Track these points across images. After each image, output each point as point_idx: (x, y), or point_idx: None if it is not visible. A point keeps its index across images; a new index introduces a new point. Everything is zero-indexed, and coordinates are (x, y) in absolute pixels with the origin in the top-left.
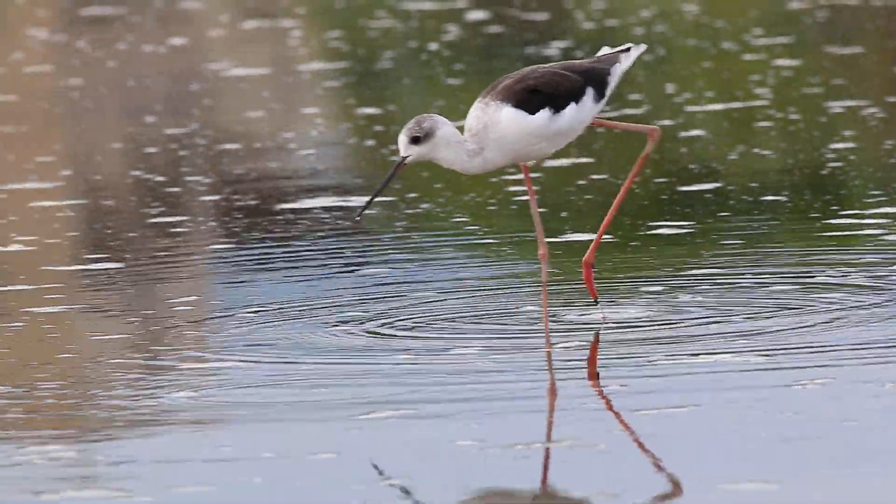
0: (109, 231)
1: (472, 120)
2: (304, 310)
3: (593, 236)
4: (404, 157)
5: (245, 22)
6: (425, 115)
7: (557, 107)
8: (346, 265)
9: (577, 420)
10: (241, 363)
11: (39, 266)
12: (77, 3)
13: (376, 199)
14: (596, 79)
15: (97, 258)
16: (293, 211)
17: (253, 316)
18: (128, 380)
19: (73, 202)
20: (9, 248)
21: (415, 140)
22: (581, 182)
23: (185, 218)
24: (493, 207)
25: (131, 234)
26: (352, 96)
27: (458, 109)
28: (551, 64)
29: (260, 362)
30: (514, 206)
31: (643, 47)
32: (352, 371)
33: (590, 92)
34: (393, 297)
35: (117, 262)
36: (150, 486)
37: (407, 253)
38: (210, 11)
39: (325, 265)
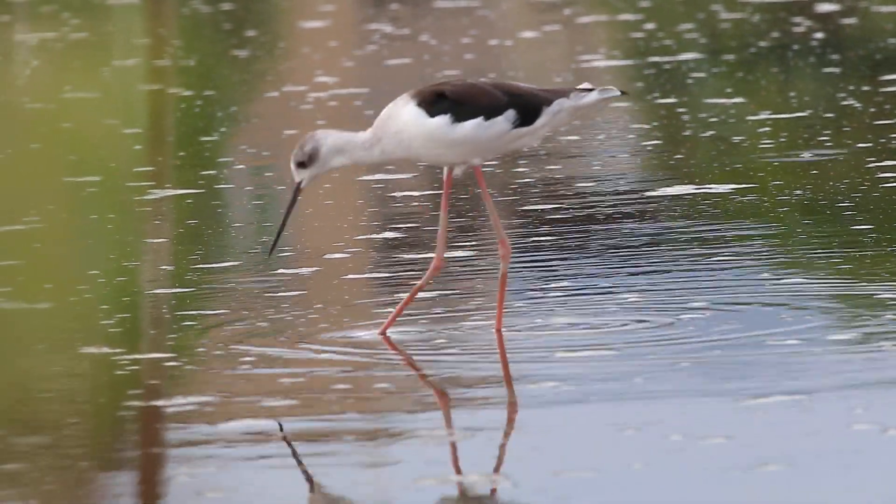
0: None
1: (384, 110)
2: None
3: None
4: (298, 183)
5: (584, 16)
6: (309, 134)
7: (459, 117)
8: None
9: None
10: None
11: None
12: None
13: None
14: (524, 105)
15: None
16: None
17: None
18: None
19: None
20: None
21: (301, 165)
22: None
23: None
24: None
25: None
26: (723, 85)
27: (832, 99)
28: (503, 81)
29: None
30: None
31: (614, 92)
32: None
33: (508, 114)
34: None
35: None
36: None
37: None
38: (576, 5)
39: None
